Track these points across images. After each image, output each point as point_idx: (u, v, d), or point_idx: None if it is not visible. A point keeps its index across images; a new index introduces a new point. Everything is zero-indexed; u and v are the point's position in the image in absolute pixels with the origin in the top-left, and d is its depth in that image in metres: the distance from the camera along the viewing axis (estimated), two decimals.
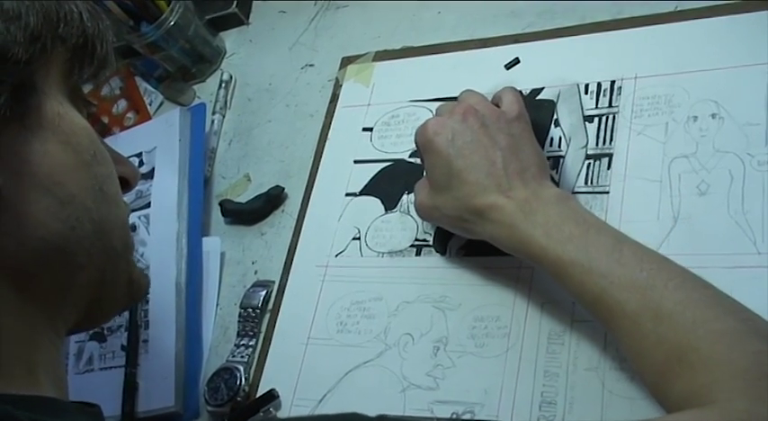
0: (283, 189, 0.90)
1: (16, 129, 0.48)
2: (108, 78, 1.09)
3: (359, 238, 0.82)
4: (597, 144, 0.75)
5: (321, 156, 0.89)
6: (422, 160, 0.74)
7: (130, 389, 0.84)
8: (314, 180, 0.88)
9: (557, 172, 0.75)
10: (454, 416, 0.68)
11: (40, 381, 0.50)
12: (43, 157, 0.49)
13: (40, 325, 0.51)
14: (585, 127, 0.76)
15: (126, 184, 0.58)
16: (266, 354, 0.80)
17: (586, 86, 0.78)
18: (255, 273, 0.87)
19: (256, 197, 0.91)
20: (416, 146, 0.73)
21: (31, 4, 0.49)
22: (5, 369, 0.48)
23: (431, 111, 0.84)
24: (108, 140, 0.98)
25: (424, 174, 0.73)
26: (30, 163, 0.48)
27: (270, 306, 0.83)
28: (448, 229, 0.75)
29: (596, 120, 0.76)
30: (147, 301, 0.87)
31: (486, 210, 0.66)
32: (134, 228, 0.91)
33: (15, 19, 0.47)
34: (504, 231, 0.65)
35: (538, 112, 0.77)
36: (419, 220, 0.80)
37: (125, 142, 0.97)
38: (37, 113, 0.49)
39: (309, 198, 0.87)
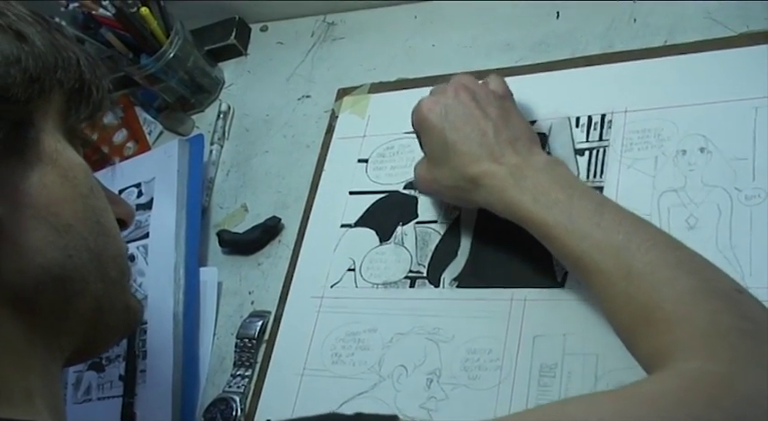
0: (280, 220, 0.91)
1: (15, 162, 0.51)
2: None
3: (354, 269, 0.83)
4: (588, 177, 0.76)
5: (317, 187, 0.90)
6: (419, 140, 0.76)
7: (128, 419, 0.85)
8: (310, 211, 0.89)
9: None
10: None
11: (37, 408, 0.52)
12: (41, 189, 0.51)
13: (39, 352, 0.53)
14: (576, 160, 0.77)
15: (122, 224, 0.60)
16: (262, 385, 0.81)
17: (577, 120, 0.79)
18: (252, 303, 0.88)
19: (253, 227, 0.91)
20: (412, 126, 0.76)
21: (31, 49, 0.52)
22: (6, 393, 0.50)
23: None
24: (108, 170, 1.00)
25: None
26: (28, 195, 0.51)
27: (266, 336, 0.84)
28: (447, 201, 0.79)
29: (587, 153, 0.77)
30: (145, 332, 0.88)
31: (480, 177, 0.69)
32: (132, 258, 0.92)
33: (15, 63, 0.50)
34: (496, 196, 0.68)
35: None
36: (413, 252, 0.81)
37: (124, 172, 0.99)
38: (35, 148, 0.52)
39: (305, 229, 0.88)
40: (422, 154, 0.84)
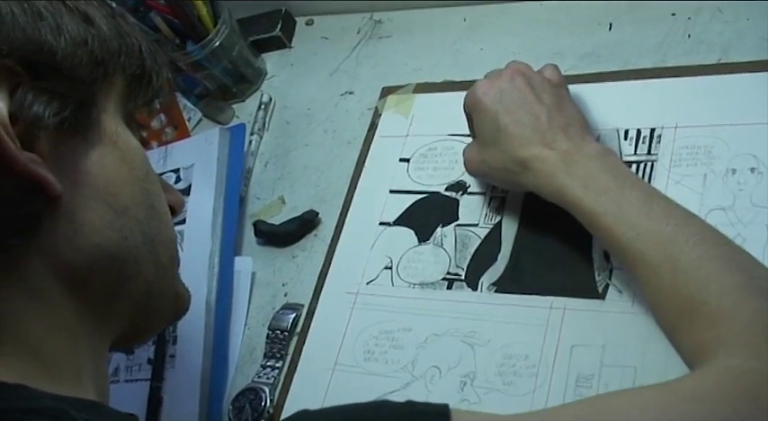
0: (317, 213, 0.91)
1: (78, 141, 0.52)
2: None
3: (391, 268, 0.83)
4: None
5: (357, 184, 0.90)
6: (469, 122, 0.77)
7: (155, 404, 0.85)
8: (348, 207, 0.89)
9: None
10: None
11: (84, 385, 0.52)
12: (101, 170, 0.52)
13: (90, 331, 0.54)
14: None
15: (172, 212, 0.61)
16: (292, 377, 0.81)
17: (626, 132, 0.79)
18: (285, 295, 0.88)
19: (290, 220, 0.91)
20: (465, 108, 0.77)
21: (97, 33, 0.53)
22: (56, 370, 0.50)
23: None
24: (160, 153, 1.00)
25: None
26: (89, 174, 0.52)
27: (298, 329, 0.84)
28: (495, 184, 0.80)
29: (635, 166, 0.77)
30: None
31: (530, 161, 0.70)
32: None
33: (81, 44, 0.51)
34: (545, 180, 0.69)
35: None
36: (452, 254, 0.81)
37: (164, 157, 0.99)
38: (97, 129, 0.53)
39: (343, 224, 0.88)
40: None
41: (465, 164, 0.79)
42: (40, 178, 0.48)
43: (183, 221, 0.93)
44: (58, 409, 0.46)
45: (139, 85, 0.57)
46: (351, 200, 0.89)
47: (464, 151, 0.78)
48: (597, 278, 0.73)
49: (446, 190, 0.85)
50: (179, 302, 0.62)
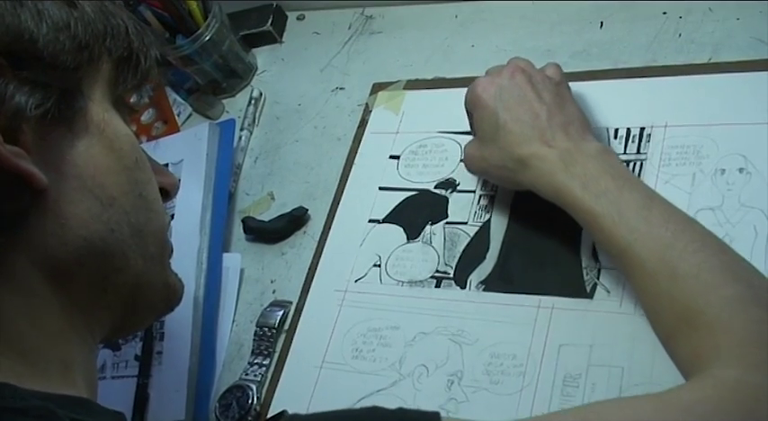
0: (307, 210, 0.90)
1: (63, 132, 0.51)
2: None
3: (379, 266, 0.82)
4: None
5: (346, 181, 0.90)
6: (470, 119, 0.77)
7: (141, 400, 0.84)
8: (338, 204, 0.89)
9: None
10: None
11: (74, 382, 0.52)
12: (88, 160, 0.51)
13: (77, 326, 0.53)
14: None
15: (165, 194, 0.60)
16: (280, 375, 0.81)
17: (616, 131, 0.79)
18: (273, 292, 0.87)
19: (279, 216, 0.91)
20: (465, 105, 0.77)
21: (80, 16, 0.52)
22: (43, 366, 0.50)
23: (459, 143, 0.85)
24: (152, 144, 0.99)
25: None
26: (75, 165, 0.51)
27: (286, 326, 0.84)
28: (494, 181, 0.79)
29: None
30: None
31: (529, 159, 0.69)
32: None
33: (64, 29, 0.50)
34: (544, 179, 0.68)
35: None
36: (441, 252, 0.80)
37: (153, 152, 0.98)
38: (83, 118, 0.52)
39: (332, 221, 0.88)
40: (454, 153, 0.84)
41: (465, 161, 0.78)
42: (25, 172, 0.47)
43: (172, 217, 0.93)
44: (44, 408, 0.46)
45: (127, 68, 0.56)
46: (340, 197, 0.89)
47: (465, 147, 0.78)
48: (585, 277, 0.73)
49: (435, 187, 0.85)
50: (170, 293, 0.61)
